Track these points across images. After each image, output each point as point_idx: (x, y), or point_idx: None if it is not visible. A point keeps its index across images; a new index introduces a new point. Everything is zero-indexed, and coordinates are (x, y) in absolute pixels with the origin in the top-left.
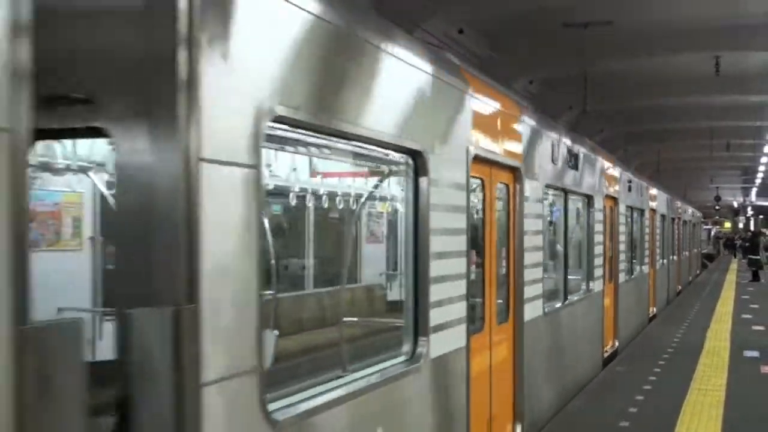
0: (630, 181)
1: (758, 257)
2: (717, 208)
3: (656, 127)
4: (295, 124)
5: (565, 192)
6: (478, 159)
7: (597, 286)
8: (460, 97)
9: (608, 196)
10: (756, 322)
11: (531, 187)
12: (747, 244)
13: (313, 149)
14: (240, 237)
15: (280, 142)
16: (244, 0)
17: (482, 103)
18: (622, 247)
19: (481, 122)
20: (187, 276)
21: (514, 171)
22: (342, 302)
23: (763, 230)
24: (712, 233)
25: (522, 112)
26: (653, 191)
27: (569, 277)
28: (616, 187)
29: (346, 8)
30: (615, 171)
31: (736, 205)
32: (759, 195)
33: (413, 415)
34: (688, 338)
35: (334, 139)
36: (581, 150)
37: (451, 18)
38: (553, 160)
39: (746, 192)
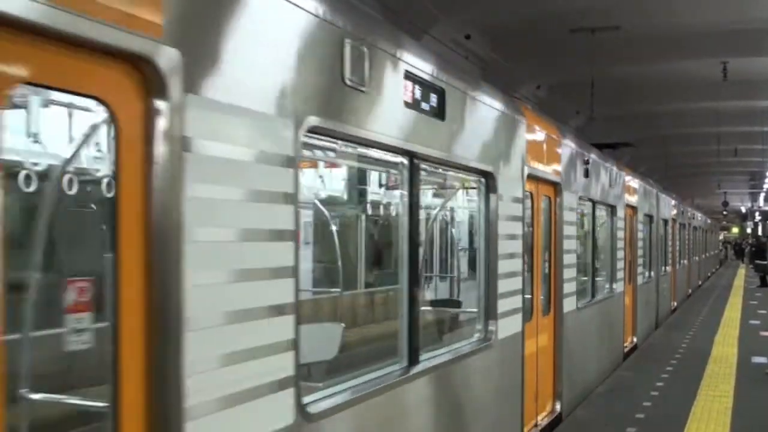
0: (580, 156)
1: (766, 262)
2: (725, 213)
3: (663, 132)
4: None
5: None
6: None
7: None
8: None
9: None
10: (764, 327)
11: None
12: (754, 249)
13: None
14: None
15: None
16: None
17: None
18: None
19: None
20: None
21: None
22: None
23: None
24: (720, 238)
25: None
26: (631, 181)
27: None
28: (528, 155)
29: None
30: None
31: (743, 210)
32: (767, 200)
33: None
34: (695, 344)
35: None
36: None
37: (459, 23)
38: None
39: (754, 197)
